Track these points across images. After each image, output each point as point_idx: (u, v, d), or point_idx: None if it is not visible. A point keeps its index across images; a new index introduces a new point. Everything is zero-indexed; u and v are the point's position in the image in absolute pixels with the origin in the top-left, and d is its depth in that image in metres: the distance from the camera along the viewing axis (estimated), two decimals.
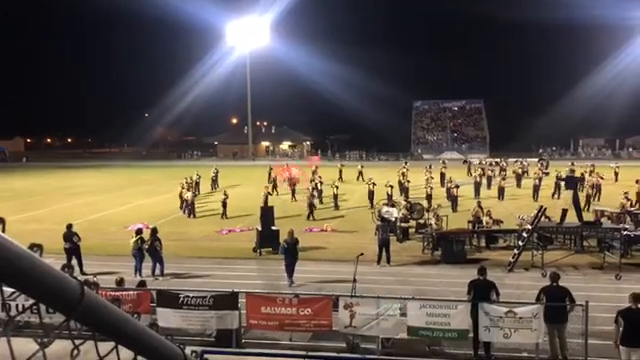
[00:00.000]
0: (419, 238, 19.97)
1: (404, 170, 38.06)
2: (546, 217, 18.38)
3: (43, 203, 32.78)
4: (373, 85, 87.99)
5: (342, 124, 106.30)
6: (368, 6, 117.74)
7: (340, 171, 44.33)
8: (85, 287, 1.14)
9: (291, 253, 14.81)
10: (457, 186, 29.45)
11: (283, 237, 18.87)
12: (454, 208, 27.68)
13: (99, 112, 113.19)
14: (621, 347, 9.03)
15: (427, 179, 34.84)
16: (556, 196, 30.25)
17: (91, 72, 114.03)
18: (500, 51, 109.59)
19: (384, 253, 17.19)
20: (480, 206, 21.53)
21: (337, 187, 29.52)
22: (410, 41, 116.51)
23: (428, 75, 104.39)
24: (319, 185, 31.46)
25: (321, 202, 29.81)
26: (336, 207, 28.67)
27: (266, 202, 26.27)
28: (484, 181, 34.79)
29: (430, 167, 41.61)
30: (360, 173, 44.57)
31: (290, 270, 14.80)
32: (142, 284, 12.29)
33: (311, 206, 26.21)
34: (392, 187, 30.53)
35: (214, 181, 38.87)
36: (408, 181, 33.98)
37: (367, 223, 23.60)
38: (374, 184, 30.06)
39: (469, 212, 22.11)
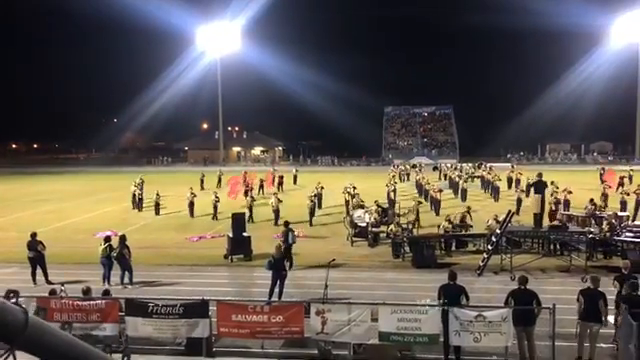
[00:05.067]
0: (390, 243, 20.03)
1: (394, 174, 38.67)
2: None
3: (7, 210, 31.98)
4: (344, 91, 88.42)
5: (314, 129, 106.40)
6: (340, 12, 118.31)
7: (295, 177, 46.02)
8: (30, 314, 1.10)
9: (277, 269, 13.92)
10: (440, 190, 29.74)
11: (255, 244, 18.92)
12: (437, 212, 27.77)
13: (66, 117, 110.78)
14: (580, 322, 10.14)
15: (421, 179, 35.73)
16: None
17: (58, 76, 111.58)
18: (469, 58, 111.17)
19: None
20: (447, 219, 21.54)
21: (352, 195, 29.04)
22: (381, 47, 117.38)
23: (399, 81, 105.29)
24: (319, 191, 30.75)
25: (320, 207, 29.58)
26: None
27: (251, 210, 27.03)
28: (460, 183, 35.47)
29: (420, 169, 42.34)
30: (295, 177, 45.15)
31: (273, 287, 13.77)
32: (106, 293, 12.03)
33: (277, 212, 26.08)
34: (395, 191, 30.51)
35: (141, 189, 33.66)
36: (395, 182, 34.42)
37: (340, 228, 23.70)
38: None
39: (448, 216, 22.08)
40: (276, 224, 25.27)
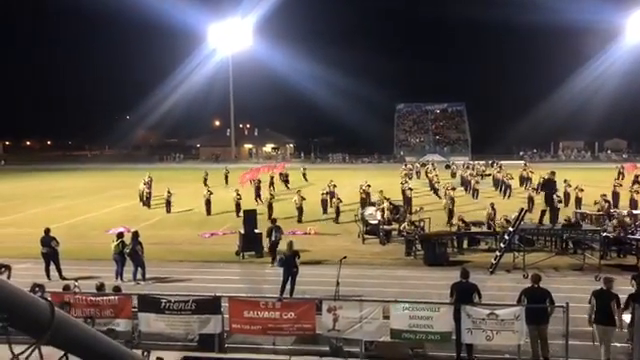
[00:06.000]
0: (401, 240, 20.00)
1: (405, 172, 38.57)
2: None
3: (21, 207, 32.27)
4: (356, 88, 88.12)
5: (325, 126, 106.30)
6: (351, 9, 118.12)
7: (304, 174, 45.98)
8: (56, 308, 1.11)
9: (288, 266, 13.91)
10: (453, 188, 29.63)
11: (266, 241, 18.92)
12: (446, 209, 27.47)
13: (79, 114, 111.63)
14: (595, 325, 9.90)
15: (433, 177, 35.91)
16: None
17: (71, 73, 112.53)
18: (482, 54, 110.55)
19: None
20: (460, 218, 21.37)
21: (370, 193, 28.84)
22: (393, 44, 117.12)
23: (411, 78, 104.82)
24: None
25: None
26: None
27: (271, 207, 26.33)
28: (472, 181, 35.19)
29: (434, 168, 42.07)
30: (304, 175, 44.94)
31: (284, 284, 13.80)
32: (117, 290, 12.09)
33: (301, 209, 26.12)
34: (411, 189, 30.27)
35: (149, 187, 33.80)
36: (407, 181, 34.05)
37: (351, 226, 23.68)
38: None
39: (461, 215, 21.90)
40: (299, 221, 25.43)
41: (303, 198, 26.47)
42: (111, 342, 1.25)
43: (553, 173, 19.20)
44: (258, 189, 32.46)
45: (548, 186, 18.37)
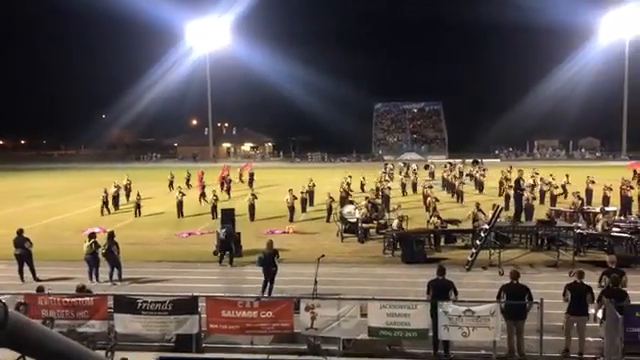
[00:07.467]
0: (380, 238, 20.08)
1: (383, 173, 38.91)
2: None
3: None
4: (334, 87, 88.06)
5: (304, 125, 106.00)
6: (328, 8, 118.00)
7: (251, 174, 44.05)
8: (9, 309, 1.09)
9: (268, 265, 13.90)
10: (430, 187, 29.77)
11: (244, 240, 18.88)
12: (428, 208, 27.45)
13: (54, 113, 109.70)
14: (568, 316, 10.29)
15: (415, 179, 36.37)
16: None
17: (45, 71, 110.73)
18: (458, 54, 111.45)
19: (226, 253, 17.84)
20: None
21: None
22: (371, 43, 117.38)
23: (388, 77, 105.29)
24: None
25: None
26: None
27: (253, 208, 26.15)
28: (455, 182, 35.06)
29: (416, 171, 42.37)
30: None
31: (265, 284, 13.84)
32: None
33: (292, 208, 26.01)
34: (390, 188, 30.22)
35: (127, 189, 33.79)
36: (387, 180, 33.89)
37: (330, 224, 23.72)
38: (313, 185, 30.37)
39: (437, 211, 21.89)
40: (291, 220, 25.33)
41: (295, 197, 26.29)
42: (71, 343, 1.24)
43: (520, 172, 19.58)
44: (228, 190, 33.29)
45: (518, 184, 18.92)
